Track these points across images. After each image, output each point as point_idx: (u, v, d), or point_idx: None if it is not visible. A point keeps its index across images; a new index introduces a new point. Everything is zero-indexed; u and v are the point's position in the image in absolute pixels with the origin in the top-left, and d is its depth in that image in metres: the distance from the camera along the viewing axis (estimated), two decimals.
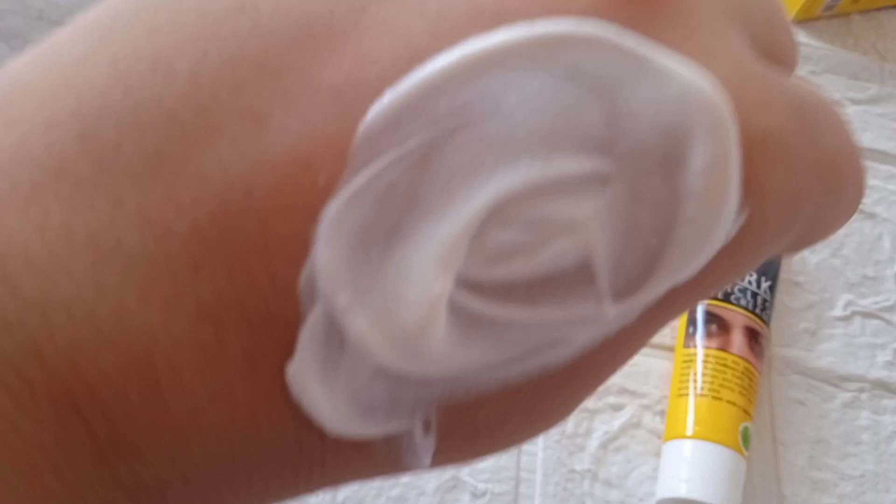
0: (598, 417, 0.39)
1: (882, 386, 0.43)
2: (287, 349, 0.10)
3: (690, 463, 0.36)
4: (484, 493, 0.37)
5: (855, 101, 0.52)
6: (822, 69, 0.53)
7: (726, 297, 0.41)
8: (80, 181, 0.09)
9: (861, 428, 0.42)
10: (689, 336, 0.40)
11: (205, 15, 0.10)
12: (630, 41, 0.10)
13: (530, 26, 0.10)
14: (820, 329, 0.44)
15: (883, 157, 0.51)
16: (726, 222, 0.10)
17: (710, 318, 0.40)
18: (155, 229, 0.09)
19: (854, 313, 0.45)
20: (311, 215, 0.10)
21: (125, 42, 0.10)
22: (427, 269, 0.10)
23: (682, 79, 0.10)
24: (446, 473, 0.37)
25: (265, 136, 0.10)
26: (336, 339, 0.10)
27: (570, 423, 0.39)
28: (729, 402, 0.38)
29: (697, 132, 0.10)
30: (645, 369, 0.41)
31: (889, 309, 0.45)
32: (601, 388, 0.40)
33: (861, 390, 0.43)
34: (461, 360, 0.10)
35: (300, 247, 0.10)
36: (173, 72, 0.10)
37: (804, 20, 0.54)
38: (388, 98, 0.10)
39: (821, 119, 0.12)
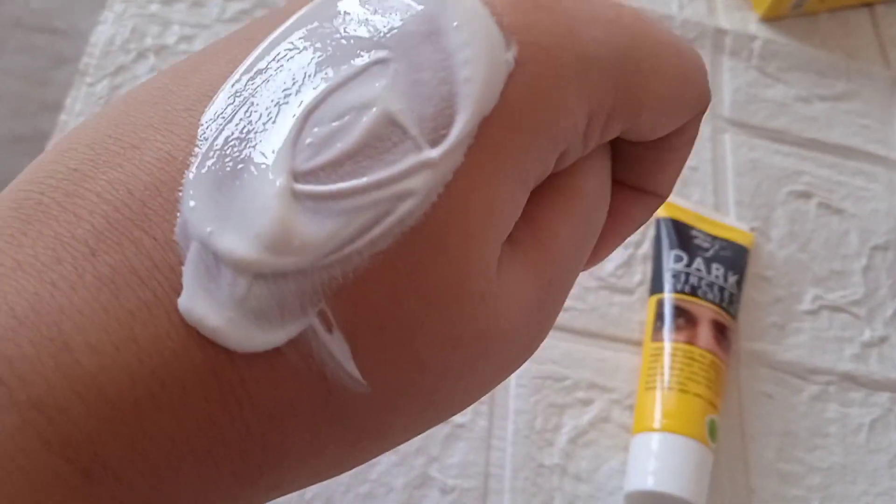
0: (567, 412, 0.39)
1: (850, 379, 0.43)
2: (177, 290, 0.12)
3: (657, 455, 0.36)
4: (453, 489, 0.37)
5: (822, 98, 0.53)
6: (790, 66, 0.53)
7: (693, 291, 0.41)
8: (11, 234, 0.13)
9: (829, 420, 0.42)
10: (657, 330, 0.40)
11: (93, 129, 0.14)
12: None
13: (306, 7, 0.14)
14: (788, 323, 0.44)
15: (850, 153, 0.51)
16: (495, 54, 0.13)
17: (678, 312, 0.40)
18: (62, 240, 0.12)
19: (821, 307, 0.45)
20: (177, 186, 0.13)
21: (48, 158, 0.14)
22: (266, 179, 0.12)
23: None
24: (415, 470, 0.37)
25: (141, 155, 0.13)
26: (212, 264, 0.12)
27: (539, 419, 0.39)
28: (696, 394, 0.38)
29: (443, 4, 0.13)
30: (614, 364, 0.41)
31: (856, 303, 0.46)
32: (570, 384, 0.40)
33: (829, 383, 0.43)
34: (321, 238, 0.12)
35: (172, 209, 0.12)
36: (76, 149, 0.14)
37: (772, 18, 0.55)
38: (218, 93, 0.13)
39: (598, 2, 0.15)
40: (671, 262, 0.42)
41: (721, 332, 0.40)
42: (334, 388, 0.13)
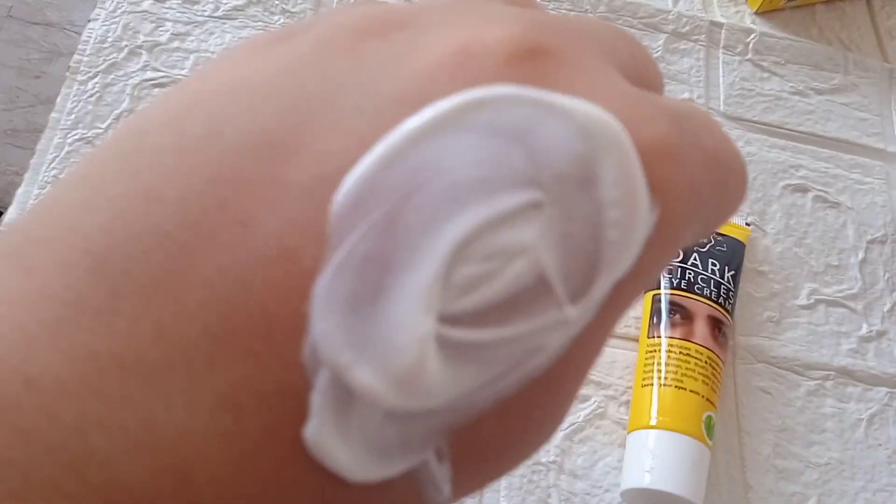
0: None
1: (846, 374, 0.43)
2: (301, 416, 0.11)
3: (654, 453, 0.36)
4: None
5: (819, 91, 0.53)
6: (786, 59, 0.53)
7: (689, 287, 0.41)
8: (98, 308, 0.11)
9: (826, 416, 0.42)
10: (654, 326, 0.40)
11: (180, 149, 0.12)
12: (530, 92, 0.12)
13: (450, 99, 0.12)
14: (784, 318, 0.44)
15: (846, 146, 0.51)
16: (643, 219, 0.13)
17: (674, 308, 0.40)
18: (171, 338, 0.11)
19: (818, 302, 0.45)
20: (303, 295, 0.11)
21: (116, 184, 0.12)
22: (411, 315, 0.11)
23: (579, 112, 0.12)
24: None
25: (252, 237, 0.11)
26: (344, 396, 0.11)
27: None
28: (692, 391, 0.38)
29: (602, 152, 0.12)
30: (610, 360, 0.41)
31: (853, 297, 0.46)
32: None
33: (825, 378, 0.43)
34: (456, 387, 0.12)
35: (299, 324, 0.11)
36: (164, 200, 0.12)
37: (769, 11, 0.55)
38: (349, 181, 0.11)
39: (698, 123, 0.15)
40: None
41: (717, 327, 0.40)
42: (425, 502, 0.13)
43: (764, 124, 0.51)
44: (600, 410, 0.40)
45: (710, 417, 0.37)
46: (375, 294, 0.11)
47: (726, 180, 0.15)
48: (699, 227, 0.14)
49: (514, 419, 0.13)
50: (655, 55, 0.51)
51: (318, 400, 0.11)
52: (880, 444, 0.42)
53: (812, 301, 0.45)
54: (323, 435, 0.11)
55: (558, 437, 0.39)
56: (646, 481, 0.36)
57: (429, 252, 0.11)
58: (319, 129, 0.12)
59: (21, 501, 0.10)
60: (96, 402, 0.10)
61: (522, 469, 0.37)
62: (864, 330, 0.45)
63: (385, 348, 0.11)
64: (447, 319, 0.12)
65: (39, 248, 0.11)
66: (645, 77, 0.15)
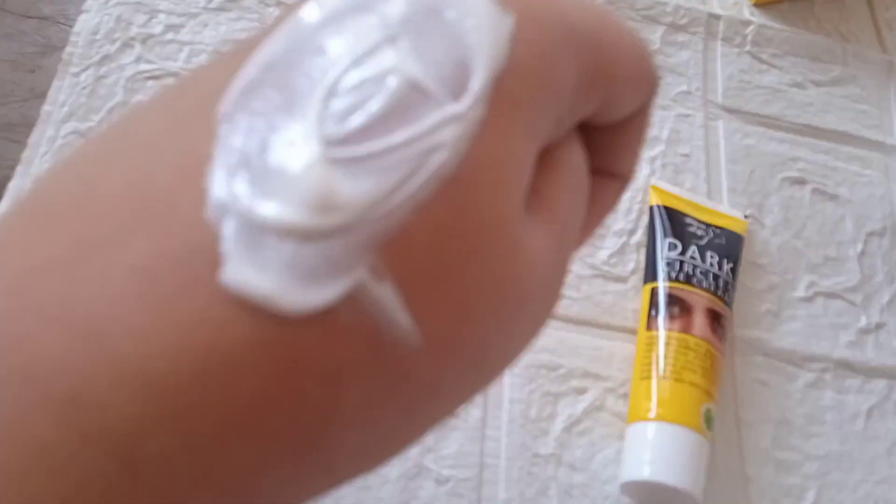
0: (561, 401, 0.39)
1: (845, 366, 0.43)
2: (216, 267, 0.12)
3: (653, 445, 0.36)
4: (448, 480, 0.36)
5: (817, 84, 0.52)
6: (785, 51, 0.53)
7: (688, 280, 0.41)
8: (30, 239, 0.13)
9: (825, 408, 0.42)
10: (652, 319, 0.40)
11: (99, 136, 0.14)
12: None
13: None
14: (782, 310, 0.44)
15: (845, 138, 0.51)
16: (496, 21, 0.14)
17: (672, 300, 0.40)
18: (86, 237, 0.12)
19: (816, 294, 0.45)
20: (201, 173, 0.12)
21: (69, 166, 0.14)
22: (299, 147, 0.13)
23: None
24: (409, 461, 0.36)
25: (156, 153, 0.13)
26: (254, 235, 0.12)
27: (534, 408, 0.39)
28: (691, 383, 0.37)
29: None
30: (608, 353, 0.41)
31: (852, 289, 0.46)
32: (564, 372, 0.40)
33: (824, 370, 0.43)
34: (362, 196, 0.12)
35: (200, 194, 0.12)
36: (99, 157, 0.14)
37: (767, 3, 0.54)
38: (233, 84, 0.13)
39: None
40: (665, 250, 0.42)
41: (716, 320, 0.40)
42: (386, 343, 0.13)
43: (762, 116, 0.50)
44: (598, 403, 0.40)
45: (709, 410, 0.37)
46: (265, 146, 0.13)
47: (603, 24, 0.16)
48: (584, 57, 0.16)
49: (446, 227, 0.13)
50: (653, 48, 0.51)
51: (229, 244, 0.12)
52: (880, 437, 0.42)
53: (811, 293, 0.45)
54: (239, 272, 0.12)
55: (557, 429, 0.38)
56: (645, 473, 0.36)
57: (300, 103, 0.13)
58: (211, 74, 0.14)
59: None
60: (8, 299, 0.11)
61: (521, 461, 0.37)
62: (863, 322, 0.45)
63: (283, 182, 0.12)
64: (336, 142, 0.13)
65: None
66: None
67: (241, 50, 0.14)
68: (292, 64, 0.13)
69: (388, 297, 0.13)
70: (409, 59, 0.13)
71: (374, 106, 0.13)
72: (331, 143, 0.13)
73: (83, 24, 0.44)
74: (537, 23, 0.15)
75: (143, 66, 0.43)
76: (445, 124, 0.13)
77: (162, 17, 0.45)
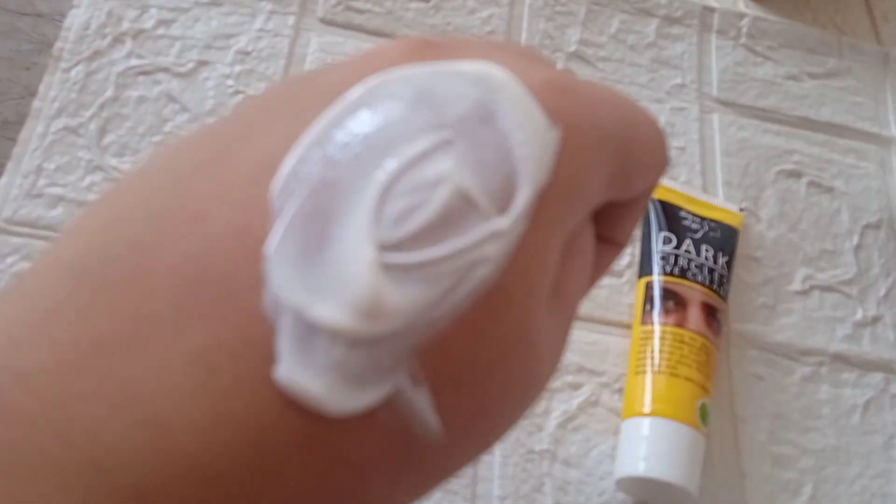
0: (556, 397, 0.39)
1: (841, 359, 0.43)
2: (270, 361, 0.12)
3: (648, 441, 0.36)
4: None
5: (813, 76, 0.52)
6: (780, 44, 0.53)
7: (683, 274, 0.40)
8: (79, 307, 0.13)
9: (821, 402, 0.42)
10: (647, 313, 0.40)
11: (139, 182, 0.15)
12: (424, 65, 0.15)
13: (356, 86, 0.15)
14: (778, 304, 0.44)
15: (841, 130, 0.51)
16: (544, 135, 0.15)
17: (667, 294, 0.40)
18: (144, 317, 0.12)
19: (812, 287, 0.45)
20: (257, 258, 0.13)
21: (92, 218, 0.14)
22: (354, 249, 0.13)
23: (470, 68, 0.15)
24: None
25: (208, 225, 0.13)
26: (307, 334, 0.12)
27: None
28: (686, 378, 0.37)
29: (495, 92, 0.15)
30: (603, 347, 0.41)
31: (848, 282, 0.45)
32: (559, 367, 0.40)
33: (820, 364, 0.43)
34: (410, 305, 0.13)
35: (257, 283, 0.13)
36: (132, 218, 0.14)
37: None
38: (284, 163, 0.14)
39: (594, 83, 0.17)
40: (660, 244, 0.42)
41: (711, 314, 0.40)
42: (415, 439, 0.13)
43: (757, 109, 0.50)
44: (594, 398, 0.39)
45: (704, 405, 0.37)
46: (321, 242, 0.13)
47: (632, 121, 0.17)
48: (614, 158, 0.17)
49: (482, 335, 0.14)
50: (647, 41, 0.51)
51: (283, 342, 0.12)
52: (877, 430, 0.41)
53: (807, 287, 0.45)
54: (292, 372, 0.12)
55: (552, 424, 0.38)
56: (640, 469, 0.35)
57: (360, 198, 0.13)
58: (257, 137, 0.15)
59: (11, 473, 0.11)
60: (76, 378, 0.12)
61: (515, 457, 0.37)
62: (860, 315, 0.44)
63: (337, 282, 0.13)
64: (388, 247, 0.13)
65: (28, 274, 0.14)
66: (544, 61, 0.18)
67: (288, 111, 0.15)
68: (348, 148, 0.14)
69: (422, 400, 0.13)
70: (462, 169, 0.14)
71: (427, 214, 0.13)
72: (384, 247, 0.13)
73: (73, 19, 0.43)
74: (579, 134, 0.15)
75: (134, 62, 0.43)
76: (491, 239, 0.14)
77: (153, 11, 0.44)
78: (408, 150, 0.14)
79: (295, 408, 0.12)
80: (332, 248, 0.13)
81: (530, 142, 0.14)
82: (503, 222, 0.14)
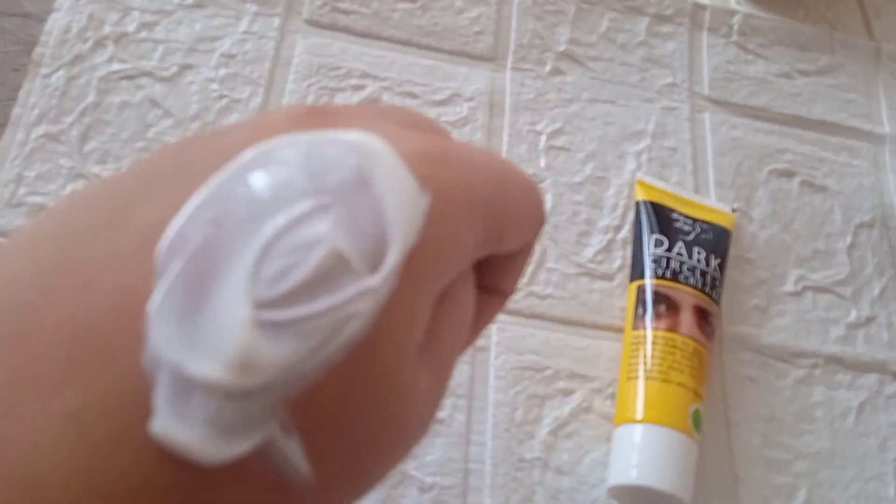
0: (547, 404, 0.38)
1: (836, 361, 0.43)
2: (147, 417, 0.13)
3: (640, 448, 0.35)
4: (432, 487, 0.36)
5: (805, 73, 0.52)
6: (772, 41, 0.52)
7: (675, 277, 0.40)
8: None
9: (815, 404, 0.41)
10: (639, 317, 0.39)
11: (31, 248, 0.15)
12: (306, 134, 0.16)
13: (243, 152, 0.16)
14: (771, 305, 0.43)
15: (834, 128, 0.50)
16: (415, 201, 0.16)
17: (659, 298, 0.39)
18: (24, 377, 0.13)
19: (805, 288, 0.44)
20: (138, 317, 0.13)
21: None
22: (231, 306, 0.14)
23: (350, 137, 0.16)
24: None
25: (94, 288, 0.14)
26: (183, 388, 0.13)
27: (519, 411, 0.38)
28: (679, 384, 0.37)
29: (372, 160, 0.16)
30: (595, 352, 0.40)
31: (841, 283, 0.45)
32: (550, 374, 0.39)
33: (814, 366, 0.42)
34: (283, 360, 0.14)
35: (138, 342, 0.13)
36: (22, 280, 0.14)
37: None
38: (171, 225, 0.14)
39: (472, 148, 0.19)
40: (651, 246, 0.41)
41: (704, 317, 0.39)
42: (285, 485, 0.14)
43: (749, 108, 0.50)
44: (586, 404, 0.39)
45: (697, 410, 0.37)
46: (201, 301, 0.14)
47: (503, 185, 0.19)
48: (485, 220, 0.18)
49: (351, 385, 0.15)
50: (638, 40, 0.50)
51: (160, 396, 0.13)
52: (871, 433, 0.41)
53: (800, 288, 0.44)
54: (167, 425, 0.13)
55: (543, 432, 0.38)
56: (632, 477, 0.35)
57: (241, 258, 0.14)
58: (148, 200, 0.15)
59: None
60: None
61: (506, 466, 0.37)
62: (853, 316, 0.44)
63: (214, 339, 0.13)
64: (264, 305, 0.14)
65: None
66: (424, 128, 0.19)
67: (178, 177, 0.16)
68: (233, 211, 0.15)
69: (293, 449, 0.14)
70: (337, 231, 0.15)
71: (302, 273, 0.14)
72: (260, 305, 0.14)
73: (54, 22, 0.43)
74: (448, 199, 0.17)
75: (117, 66, 0.42)
76: (362, 296, 0.15)
77: (136, 14, 0.44)
78: (289, 213, 0.15)
79: (170, 459, 0.13)
80: (210, 306, 0.14)
81: (401, 206, 0.16)
82: (373, 281, 0.15)
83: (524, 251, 0.21)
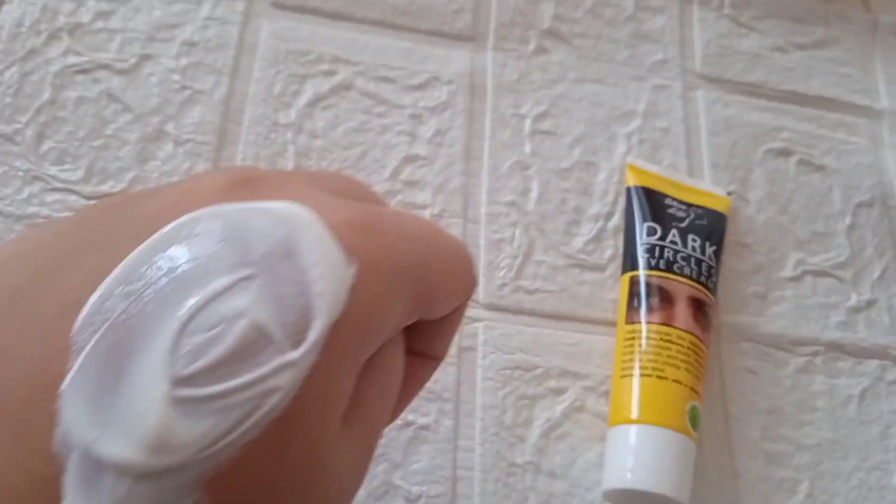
0: (538, 404, 0.37)
1: (836, 348, 0.41)
2: (56, 500, 0.13)
3: (635, 450, 0.34)
4: (419, 497, 0.34)
5: (800, 47, 0.49)
6: (765, 13, 0.50)
7: (669, 267, 0.38)
8: None
9: (816, 394, 0.40)
10: (633, 311, 0.37)
11: None
12: (233, 204, 0.16)
13: (169, 224, 0.15)
14: (770, 292, 0.42)
15: (830, 104, 0.48)
16: (340, 272, 0.16)
17: (653, 290, 0.37)
18: None
19: (805, 272, 0.43)
20: (53, 397, 0.13)
21: None
22: (146, 385, 0.13)
23: (277, 207, 0.16)
24: (376, 479, 0.34)
25: (8, 365, 0.14)
26: (95, 470, 0.13)
27: (509, 413, 0.36)
28: (675, 381, 0.35)
29: (298, 231, 0.16)
30: (587, 348, 0.38)
31: (841, 265, 0.43)
32: (541, 372, 0.38)
33: (815, 354, 0.41)
34: (200, 438, 0.13)
35: (49, 421, 0.13)
36: None
37: None
38: (89, 300, 0.14)
39: (404, 215, 0.19)
40: (644, 235, 0.39)
41: (700, 309, 0.37)
42: None
43: (743, 84, 0.47)
44: (578, 403, 0.37)
45: (694, 408, 0.35)
46: (117, 378, 0.13)
47: (431, 253, 0.19)
48: (412, 288, 0.18)
49: (271, 460, 0.14)
50: (626, 15, 0.48)
51: (69, 479, 0.13)
52: (873, 420, 0.40)
53: (799, 272, 0.42)
54: None
55: (534, 434, 0.36)
56: (628, 480, 0.33)
57: (159, 333, 0.14)
58: (67, 271, 0.15)
59: None
60: None
61: (496, 472, 0.35)
62: (854, 300, 0.42)
63: (127, 418, 0.13)
64: (181, 381, 0.13)
65: None
66: (356, 195, 0.19)
67: (102, 243, 0.15)
68: (153, 284, 0.14)
69: None
70: (259, 304, 0.15)
71: (222, 348, 0.14)
72: (177, 381, 0.13)
73: (6, 15, 0.40)
74: (375, 270, 0.17)
75: (72, 59, 0.39)
76: (283, 370, 0.14)
77: (91, 3, 0.41)
78: (210, 286, 0.14)
79: None
80: (126, 383, 0.13)
81: (327, 277, 0.15)
82: (295, 353, 0.15)
83: (455, 315, 0.21)
